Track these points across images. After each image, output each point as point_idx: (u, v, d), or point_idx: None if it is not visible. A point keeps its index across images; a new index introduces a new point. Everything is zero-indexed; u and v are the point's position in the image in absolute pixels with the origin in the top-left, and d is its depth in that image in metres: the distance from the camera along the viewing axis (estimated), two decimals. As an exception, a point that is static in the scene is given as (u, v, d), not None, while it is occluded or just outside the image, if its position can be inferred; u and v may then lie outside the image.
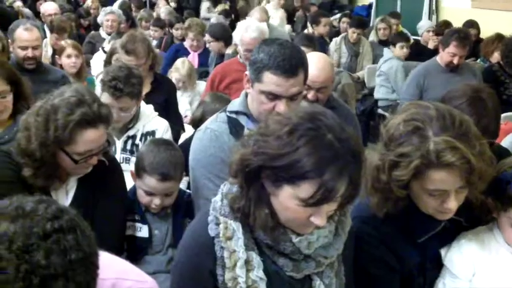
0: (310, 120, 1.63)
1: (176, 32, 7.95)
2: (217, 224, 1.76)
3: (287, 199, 1.63)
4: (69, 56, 5.14)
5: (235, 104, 2.62)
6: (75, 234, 1.25)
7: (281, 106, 2.39)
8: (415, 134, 1.84)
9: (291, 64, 2.39)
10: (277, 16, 8.39)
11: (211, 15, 10.53)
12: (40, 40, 4.55)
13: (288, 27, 9.41)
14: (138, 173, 2.72)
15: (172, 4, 11.15)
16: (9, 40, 4.60)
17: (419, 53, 7.56)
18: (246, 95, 2.59)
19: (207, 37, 6.63)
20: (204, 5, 11.22)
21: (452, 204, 1.86)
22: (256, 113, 2.50)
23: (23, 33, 4.39)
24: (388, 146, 1.90)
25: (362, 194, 1.85)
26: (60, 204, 1.33)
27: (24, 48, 4.36)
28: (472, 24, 7.81)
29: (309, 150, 1.58)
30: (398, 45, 6.93)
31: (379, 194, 1.93)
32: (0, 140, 3.14)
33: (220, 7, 11.16)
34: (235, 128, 2.53)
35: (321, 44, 6.85)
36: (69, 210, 1.31)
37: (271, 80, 2.39)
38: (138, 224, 2.75)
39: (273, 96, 2.41)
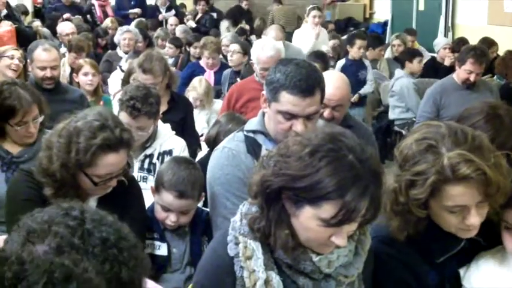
0: (331, 141, 1.64)
1: (194, 51, 7.99)
2: (237, 244, 1.77)
3: (308, 220, 1.64)
4: (86, 74, 5.20)
5: (252, 123, 2.64)
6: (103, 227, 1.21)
7: (298, 126, 2.40)
8: (429, 152, 1.85)
9: (308, 84, 2.40)
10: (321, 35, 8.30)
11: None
12: (58, 60, 4.60)
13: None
14: (157, 188, 2.74)
15: (191, 23, 11.21)
16: (28, 60, 4.64)
17: (435, 70, 7.56)
18: (264, 114, 2.61)
19: (236, 46, 6.63)
20: (223, 25, 11.27)
21: (475, 220, 1.84)
22: (273, 132, 2.52)
23: (42, 54, 4.44)
24: (403, 167, 1.90)
25: (380, 216, 1.85)
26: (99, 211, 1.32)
27: (43, 68, 4.41)
28: (488, 41, 7.80)
29: (330, 171, 1.59)
30: (415, 61, 6.93)
31: (399, 217, 1.93)
32: (20, 158, 3.18)
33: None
34: (252, 147, 2.54)
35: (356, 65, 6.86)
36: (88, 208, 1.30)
37: (288, 100, 2.41)
38: (157, 242, 2.77)
39: (290, 116, 2.43)
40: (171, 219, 2.72)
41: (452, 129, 1.87)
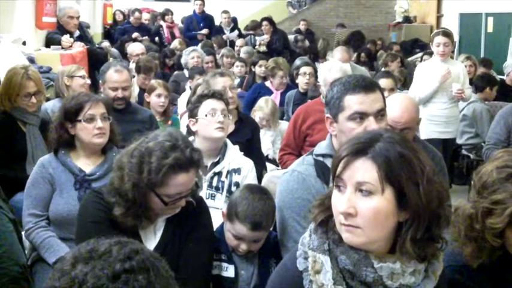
0: None
1: (259, 69, 8.05)
2: (306, 258, 1.77)
3: None
4: (159, 96, 5.33)
5: (321, 147, 2.63)
6: (147, 274, 1.25)
7: (372, 125, 2.43)
8: (509, 181, 1.81)
9: (366, 81, 2.52)
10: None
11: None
12: (129, 81, 4.71)
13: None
14: (230, 217, 2.74)
15: (263, 48, 11.32)
16: (100, 81, 4.78)
17: (504, 93, 7.39)
18: (331, 137, 2.61)
19: (310, 69, 6.64)
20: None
21: None
22: None
23: (114, 75, 4.56)
24: (481, 194, 1.86)
25: (454, 242, 1.82)
26: (137, 244, 1.35)
27: (115, 89, 4.53)
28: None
29: None
30: (490, 89, 6.81)
31: (473, 244, 1.89)
32: (92, 176, 3.25)
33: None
34: (322, 171, 2.54)
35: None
36: (145, 250, 1.32)
37: (353, 101, 2.46)
38: (225, 264, 2.77)
39: (360, 117, 2.45)
40: (242, 247, 2.73)
41: None
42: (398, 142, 1.69)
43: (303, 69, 6.61)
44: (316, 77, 6.36)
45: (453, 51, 11.39)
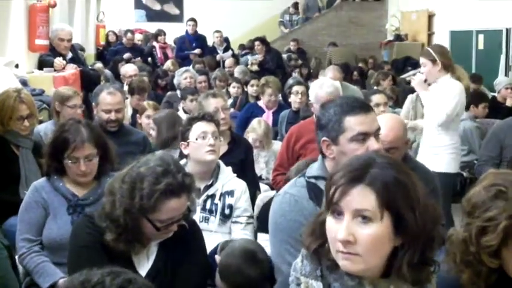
0: None
1: (251, 89, 8.07)
2: (298, 285, 1.76)
3: None
4: (149, 117, 5.33)
5: (313, 169, 2.64)
6: None
7: (375, 144, 2.47)
8: (499, 198, 1.82)
9: (361, 102, 2.58)
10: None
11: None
12: (122, 103, 4.71)
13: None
14: (222, 277, 2.74)
15: (255, 68, 11.36)
16: (93, 103, 4.78)
17: (495, 110, 7.43)
18: (323, 159, 2.61)
19: (302, 88, 6.64)
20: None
21: None
22: None
23: (107, 97, 4.56)
24: (473, 214, 1.87)
25: (450, 269, 1.83)
26: (130, 274, 1.35)
27: (108, 111, 4.52)
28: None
29: None
30: (481, 106, 6.83)
31: (469, 269, 1.88)
32: (85, 201, 3.24)
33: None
34: (314, 193, 2.54)
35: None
36: (138, 280, 1.32)
37: (355, 122, 2.48)
38: (218, 289, 2.77)
39: (363, 138, 2.47)
40: None
41: None
42: (392, 166, 1.69)
43: (296, 88, 6.61)
44: (308, 96, 6.39)
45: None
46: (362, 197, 1.65)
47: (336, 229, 1.66)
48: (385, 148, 3.21)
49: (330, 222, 1.70)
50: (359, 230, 1.64)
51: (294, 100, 6.51)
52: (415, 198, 1.66)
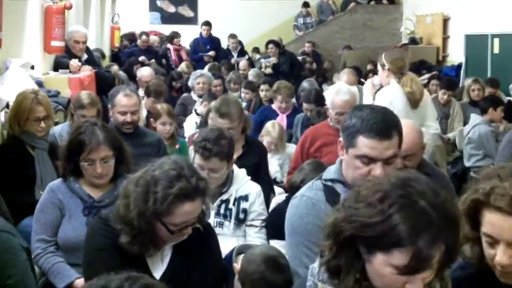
0: (402, 187, 1.63)
1: (261, 93, 8.08)
2: None
3: (381, 266, 1.63)
4: (163, 124, 5.31)
5: (330, 172, 2.63)
6: None
7: (377, 170, 2.40)
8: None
9: (383, 127, 2.42)
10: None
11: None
12: (138, 105, 4.72)
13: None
14: (243, 284, 2.69)
15: (268, 70, 11.35)
16: (109, 105, 4.79)
17: (510, 114, 7.36)
18: (341, 162, 2.60)
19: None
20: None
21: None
22: (351, 179, 2.50)
23: (123, 99, 4.56)
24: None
25: None
26: (148, 279, 1.35)
27: (124, 113, 4.53)
28: None
29: (401, 218, 1.58)
30: (498, 109, 6.78)
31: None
32: (101, 203, 3.26)
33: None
34: (331, 196, 2.53)
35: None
36: (156, 285, 1.33)
37: (365, 144, 2.42)
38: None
39: (368, 160, 2.43)
40: None
41: None
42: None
43: None
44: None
45: (458, 74, 11.40)
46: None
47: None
48: (402, 156, 3.17)
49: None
50: None
51: (306, 108, 6.52)
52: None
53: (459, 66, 11.73)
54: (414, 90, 5.33)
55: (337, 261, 1.70)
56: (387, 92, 5.31)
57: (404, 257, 1.57)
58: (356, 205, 1.66)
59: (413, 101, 5.31)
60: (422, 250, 1.55)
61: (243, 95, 8.27)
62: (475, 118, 6.87)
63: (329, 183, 2.58)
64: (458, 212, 1.67)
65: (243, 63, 11.46)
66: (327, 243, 1.74)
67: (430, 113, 5.55)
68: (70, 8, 7.41)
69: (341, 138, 2.55)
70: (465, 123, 7.50)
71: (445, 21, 13.16)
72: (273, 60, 11.75)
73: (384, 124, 2.43)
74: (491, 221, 1.79)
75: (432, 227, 1.56)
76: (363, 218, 1.61)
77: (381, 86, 5.55)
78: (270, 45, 12.11)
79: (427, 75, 10.58)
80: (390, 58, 5.48)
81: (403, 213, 1.57)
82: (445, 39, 13.20)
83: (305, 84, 8.71)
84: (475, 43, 11.48)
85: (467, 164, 6.78)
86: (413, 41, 13.73)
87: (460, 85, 9.88)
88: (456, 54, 12.34)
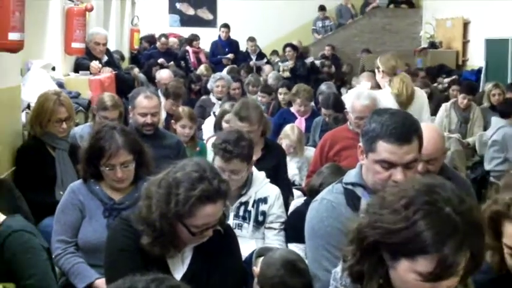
0: (427, 193, 1.62)
1: (280, 97, 8.08)
2: None
3: (405, 272, 1.62)
4: (183, 127, 5.30)
5: (351, 176, 2.63)
6: None
7: (397, 175, 2.39)
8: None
9: (403, 131, 2.41)
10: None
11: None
12: (158, 107, 4.74)
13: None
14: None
15: (286, 74, 11.35)
16: (129, 107, 4.81)
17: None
18: (361, 166, 2.60)
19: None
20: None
21: None
22: (371, 183, 2.50)
23: (143, 101, 4.57)
24: None
25: None
26: (173, 281, 1.36)
27: (144, 115, 4.54)
28: None
29: (426, 224, 1.57)
30: None
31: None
32: (121, 205, 3.27)
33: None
34: (351, 199, 2.53)
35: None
36: (181, 286, 1.34)
37: (384, 149, 2.41)
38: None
39: (388, 165, 2.42)
40: None
41: None
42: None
43: None
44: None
45: (479, 78, 11.32)
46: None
47: None
48: (424, 160, 3.17)
49: None
50: None
51: (324, 113, 6.51)
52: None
53: (479, 70, 11.67)
54: (401, 91, 5.32)
55: (360, 267, 1.69)
56: (378, 93, 5.27)
57: (429, 264, 1.56)
58: (380, 211, 1.65)
59: (400, 103, 5.26)
60: (448, 257, 1.54)
61: (259, 98, 8.26)
62: (497, 121, 6.83)
63: (350, 187, 2.58)
64: (483, 218, 1.65)
65: (267, 68, 11.50)
66: (351, 249, 1.74)
67: (423, 114, 5.43)
68: (91, 10, 7.46)
69: (361, 143, 2.55)
70: (485, 128, 7.46)
71: (465, 25, 13.10)
72: (290, 64, 11.76)
73: (403, 129, 2.42)
74: None
75: (457, 233, 1.55)
76: (388, 224, 1.61)
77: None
78: (288, 49, 12.12)
79: (447, 80, 10.53)
80: (383, 59, 5.56)
81: (428, 220, 1.57)
82: (465, 43, 13.15)
83: (323, 87, 8.68)
84: (495, 47, 11.41)
85: (487, 167, 6.73)
86: (432, 45, 13.69)
87: (480, 90, 9.82)
88: (476, 59, 12.28)
